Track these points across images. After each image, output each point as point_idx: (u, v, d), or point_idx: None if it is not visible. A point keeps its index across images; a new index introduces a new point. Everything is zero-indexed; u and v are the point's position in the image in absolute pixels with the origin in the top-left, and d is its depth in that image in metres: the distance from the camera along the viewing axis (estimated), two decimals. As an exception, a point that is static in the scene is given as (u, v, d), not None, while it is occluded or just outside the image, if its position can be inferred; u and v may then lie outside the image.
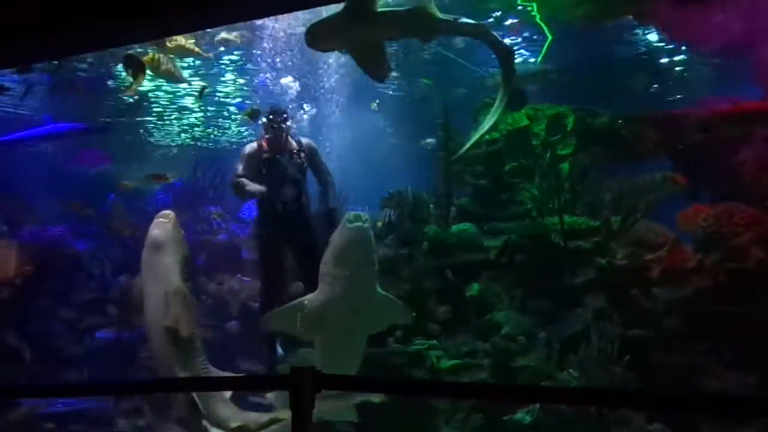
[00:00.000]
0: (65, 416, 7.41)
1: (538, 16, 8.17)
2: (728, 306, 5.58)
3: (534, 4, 7.75)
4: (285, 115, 6.24)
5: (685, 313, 5.80)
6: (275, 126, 6.14)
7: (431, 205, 7.41)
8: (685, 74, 9.99)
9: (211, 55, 8.19)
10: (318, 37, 5.37)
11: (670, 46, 9.15)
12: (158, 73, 7.40)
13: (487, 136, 7.83)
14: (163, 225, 5.45)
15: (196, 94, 10.22)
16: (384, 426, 5.87)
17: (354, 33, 5.32)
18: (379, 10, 5.26)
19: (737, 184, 6.52)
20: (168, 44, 7.23)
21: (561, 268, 6.36)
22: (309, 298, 5.26)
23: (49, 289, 8.89)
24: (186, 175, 10.75)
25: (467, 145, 6.43)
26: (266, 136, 6.27)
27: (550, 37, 8.51)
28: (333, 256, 5.11)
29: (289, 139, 6.28)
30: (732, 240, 5.84)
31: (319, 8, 5.87)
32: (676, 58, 9.56)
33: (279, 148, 6.20)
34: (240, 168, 6.18)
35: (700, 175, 6.89)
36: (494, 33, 5.80)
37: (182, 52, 7.59)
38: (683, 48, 9.12)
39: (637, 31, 8.79)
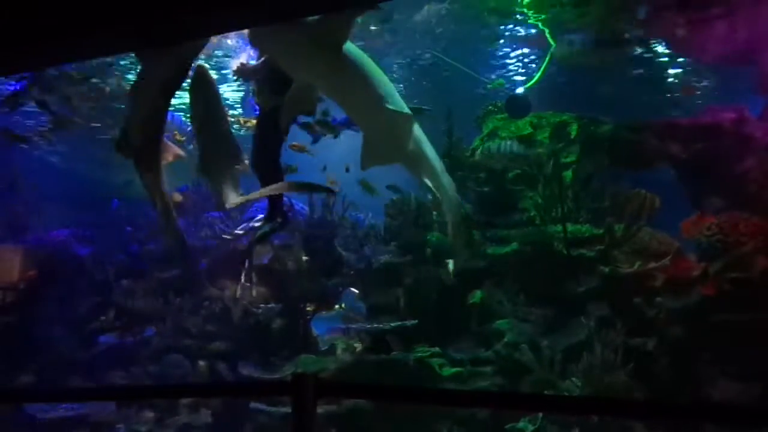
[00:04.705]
0: (67, 421, 7.40)
1: (542, 26, 8.21)
2: (732, 315, 5.57)
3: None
4: None
5: (688, 322, 5.79)
6: None
7: (434, 212, 7.41)
8: (689, 84, 9.98)
9: None
10: None
11: (674, 56, 9.15)
12: None
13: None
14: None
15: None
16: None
17: None
18: None
19: (741, 192, 6.52)
20: None
21: (564, 275, 6.35)
22: None
23: (52, 294, 8.89)
24: (191, 181, 10.69)
25: None
26: None
27: (553, 45, 8.54)
28: None
29: None
30: (736, 249, 5.83)
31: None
32: (679, 68, 9.56)
33: None
34: None
35: (704, 184, 6.89)
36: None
37: None
38: (687, 58, 9.12)
39: (642, 41, 8.79)
